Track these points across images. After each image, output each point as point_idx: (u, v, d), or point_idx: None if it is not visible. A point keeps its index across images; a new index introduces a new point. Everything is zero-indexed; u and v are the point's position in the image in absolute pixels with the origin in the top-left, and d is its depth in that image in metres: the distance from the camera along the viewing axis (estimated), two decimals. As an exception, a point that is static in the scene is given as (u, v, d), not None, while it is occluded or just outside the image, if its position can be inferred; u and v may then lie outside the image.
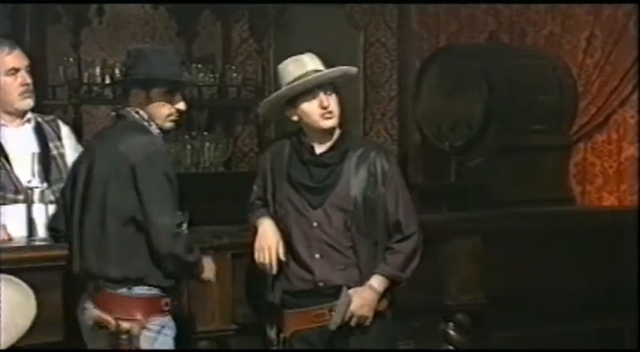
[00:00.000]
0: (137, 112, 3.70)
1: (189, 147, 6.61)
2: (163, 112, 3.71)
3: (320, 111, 3.85)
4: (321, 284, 3.82)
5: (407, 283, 3.93)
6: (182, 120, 3.87)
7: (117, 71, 6.20)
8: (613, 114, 6.68)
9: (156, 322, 3.58)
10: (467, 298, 4.68)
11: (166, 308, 3.61)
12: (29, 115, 4.14)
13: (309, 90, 3.83)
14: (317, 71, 3.87)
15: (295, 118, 3.90)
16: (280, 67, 3.96)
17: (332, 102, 3.86)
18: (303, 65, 3.88)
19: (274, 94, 3.96)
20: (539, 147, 5.60)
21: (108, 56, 6.61)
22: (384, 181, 3.88)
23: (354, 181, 3.88)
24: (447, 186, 5.64)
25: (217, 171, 6.55)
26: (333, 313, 3.78)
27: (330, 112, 3.86)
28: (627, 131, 6.72)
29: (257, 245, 3.84)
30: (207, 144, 6.63)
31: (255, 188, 3.98)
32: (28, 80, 4.09)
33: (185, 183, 3.71)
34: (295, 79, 3.85)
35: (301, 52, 3.90)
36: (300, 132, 3.94)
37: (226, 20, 6.67)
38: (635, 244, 5.40)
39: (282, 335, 3.85)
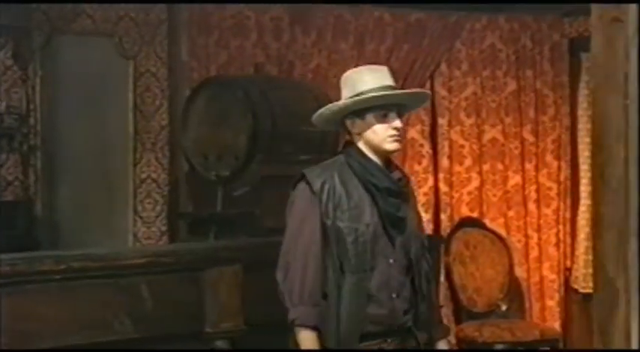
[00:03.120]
0: None
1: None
2: None
3: (390, 131, 3.61)
4: (396, 327, 3.61)
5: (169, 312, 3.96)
6: None
7: None
8: (378, 145, 6.98)
9: None
10: (227, 325, 4.75)
11: None
12: None
13: (385, 105, 3.60)
14: (393, 88, 3.64)
15: (356, 131, 3.63)
16: (352, 74, 3.69)
17: (400, 124, 3.65)
18: (382, 77, 3.63)
19: (349, 100, 3.64)
20: (303, 177, 5.75)
21: None
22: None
23: (411, 213, 3.73)
24: (213, 215, 5.71)
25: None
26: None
27: (400, 135, 3.65)
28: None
29: None
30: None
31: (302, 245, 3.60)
32: None
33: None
34: (371, 90, 3.58)
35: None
36: (353, 155, 3.63)
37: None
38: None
39: None
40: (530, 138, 7.30)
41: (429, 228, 6.98)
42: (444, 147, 7.13)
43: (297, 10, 6.64)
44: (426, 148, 7.10)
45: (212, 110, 5.83)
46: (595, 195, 3.53)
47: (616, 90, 3.60)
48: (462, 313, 6.84)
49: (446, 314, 6.93)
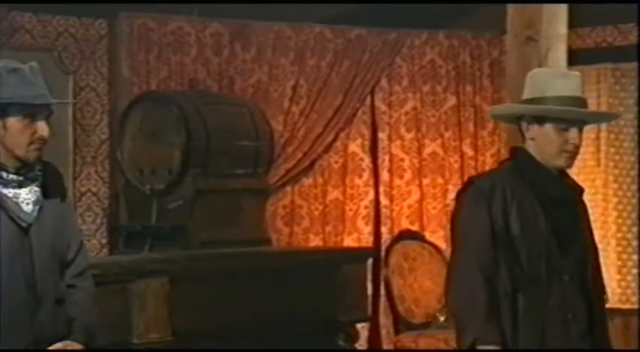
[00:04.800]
0: None
1: None
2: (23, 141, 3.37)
3: (567, 146, 3.33)
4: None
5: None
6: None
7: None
8: (318, 159, 7.10)
9: None
10: (154, 336, 4.84)
11: None
12: None
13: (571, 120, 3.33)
14: (582, 100, 3.39)
15: (530, 136, 3.36)
16: (543, 74, 3.46)
17: (580, 142, 3.36)
18: (574, 87, 3.37)
19: (531, 107, 3.37)
20: (238, 191, 5.86)
21: None
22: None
23: (585, 225, 3.50)
24: (148, 228, 5.80)
25: None
26: None
27: (576, 153, 3.38)
28: (332, 175, 7.14)
29: None
30: None
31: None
32: None
33: None
34: (558, 100, 3.32)
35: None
36: (525, 161, 3.38)
37: None
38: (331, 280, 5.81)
39: None
40: (470, 152, 7.42)
41: (368, 241, 7.10)
42: (384, 161, 7.24)
43: (237, 26, 6.74)
44: (367, 162, 7.21)
45: (147, 125, 5.92)
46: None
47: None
48: (400, 324, 6.93)
49: (385, 324, 7.06)
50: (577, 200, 3.48)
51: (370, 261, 6.89)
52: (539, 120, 3.35)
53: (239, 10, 6.53)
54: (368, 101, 7.21)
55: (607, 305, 3.58)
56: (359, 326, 6.31)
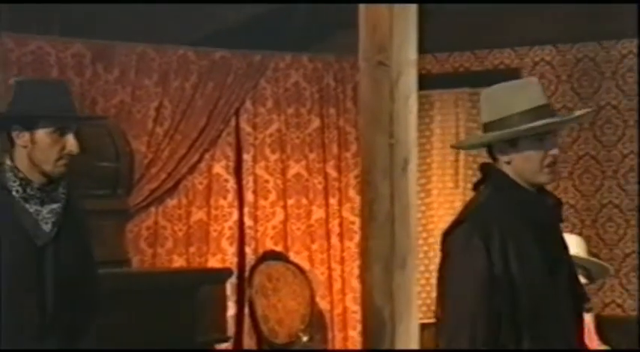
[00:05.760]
0: None
1: None
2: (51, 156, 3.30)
3: (547, 160, 3.12)
4: None
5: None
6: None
7: None
8: (182, 180, 7.11)
9: None
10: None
11: None
12: None
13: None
14: (549, 107, 3.18)
15: (505, 159, 3.14)
16: (500, 92, 3.21)
17: (558, 152, 3.16)
18: (539, 96, 3.16)
19: (505, 131, 3.09)
20: (97, 212, 5.81)
21: None
22: None
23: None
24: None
25: None
26: None
27: (556, 164, 3.16)
28: (196, 196, 7.16)
29: None
30: None
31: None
32: None
33: None
34: (524, 113, 3.08)
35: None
36: (507, 188, 3.14)
37: None
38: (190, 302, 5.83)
39: None
40: (334, 174, 7.54)
41: (233, 262, 7.13)
42: (248, 182, 7.30)
43: (100, 46, 6.71)
44: (231, 183, 7.25)
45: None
46: (363, 229, 3.73)
47: (382, 130, 3.82)
48: (263, 344, 6.99)
49: (249, 345, 7.09)
50: (559, 214, 3.32)
51: (235, 282, 6.94)
52: (512, 142, 3.15)
53: (101, 31, 6.50)
54: (233, 122, 7.27)
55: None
56: (221, 346, 6.33)
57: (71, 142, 3.35)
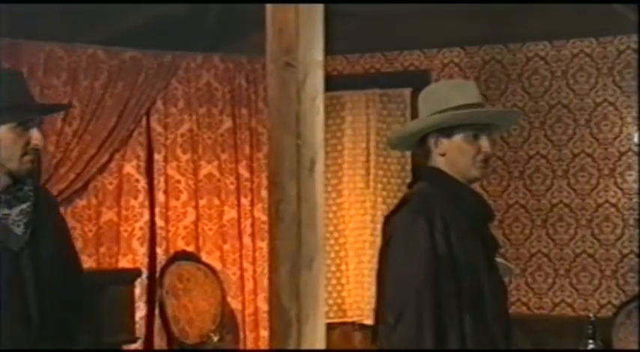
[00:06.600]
0: None
1: None
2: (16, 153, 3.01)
3: (480, 155, 3.28)
4: None
5: None
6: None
7: None
8: (92, 181, 7.05)
9: None
10: None
11: None
12: None
13: (476, 125, 3.25)
14: (482, 105, 3.34)
15: (440, 151, 3.28)
16: (438, 88, 3.46)
17: (491, 150, 3.30)
18: (472, 95, 3.30)
19: (439, 115, 3.24)
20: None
21: None
22: None
23: None
24: None
25: None
26: None
27: (488, 162, 3.30)
28: (106, 196, 7.10)
29: None
30: None
31: None
32: None
33: None
34: (461, 107, 3.24)
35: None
36: (444, 181, 3.25)
37: None
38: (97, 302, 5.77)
39: None
40: (246, 174, 7.54)
41: (143, 262, 7.09)
42: (159, 182, 7.26)
43: (5, 45, 6.62)
44: (142, 183, 7.20)
45: None
46: (271, 230, 3.74)
47: (289, 130, 3.84)
48: (174, 345, 6.96)
49: (159, 345, 7.06)
50: (491, 212, 3.46)
51: (145, 282, 6.91)
52: (447, 133, 3.29)
53: (7, 29, 6.41)
54: (144, 122, 7.22)
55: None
56: (130, 347, 6.30)
57: (36, 136, 3.12)
